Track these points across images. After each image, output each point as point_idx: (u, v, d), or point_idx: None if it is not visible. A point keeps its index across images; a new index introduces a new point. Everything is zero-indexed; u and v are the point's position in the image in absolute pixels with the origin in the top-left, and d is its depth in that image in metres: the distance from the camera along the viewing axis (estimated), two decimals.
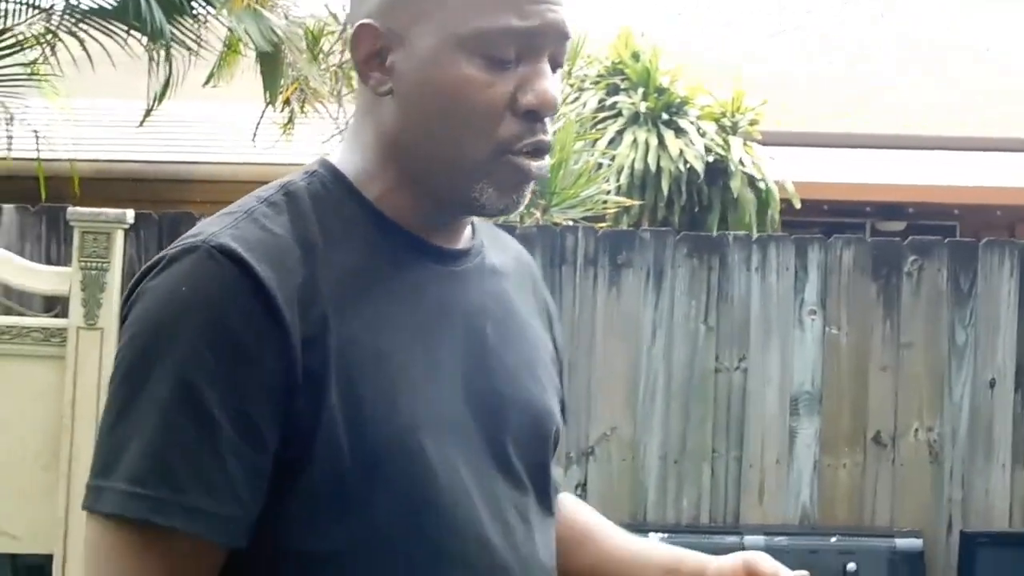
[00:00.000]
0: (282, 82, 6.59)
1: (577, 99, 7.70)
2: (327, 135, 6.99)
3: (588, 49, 7.29)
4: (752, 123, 10.41)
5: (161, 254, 1.36)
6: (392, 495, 1.36)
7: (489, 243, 1.57)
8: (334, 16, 6.81)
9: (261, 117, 7.15)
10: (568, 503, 1.74)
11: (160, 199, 7.89)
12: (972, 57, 19.02)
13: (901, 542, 4.58)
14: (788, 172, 10.31)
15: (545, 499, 1.53)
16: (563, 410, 1.67)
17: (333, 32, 6.80)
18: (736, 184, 9.82)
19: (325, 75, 6.76)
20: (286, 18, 6.64)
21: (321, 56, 6.76)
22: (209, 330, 1.29)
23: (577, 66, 7.12)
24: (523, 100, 1.37)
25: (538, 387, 1.53)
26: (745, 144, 10.10)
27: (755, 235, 4.74)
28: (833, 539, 4.60)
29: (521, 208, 1.46)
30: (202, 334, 1.29)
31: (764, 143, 10.43)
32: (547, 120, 1.40)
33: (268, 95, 6.54)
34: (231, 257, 1.30)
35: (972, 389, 4.66)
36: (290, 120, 7.09)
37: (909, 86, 17.08)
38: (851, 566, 4.52)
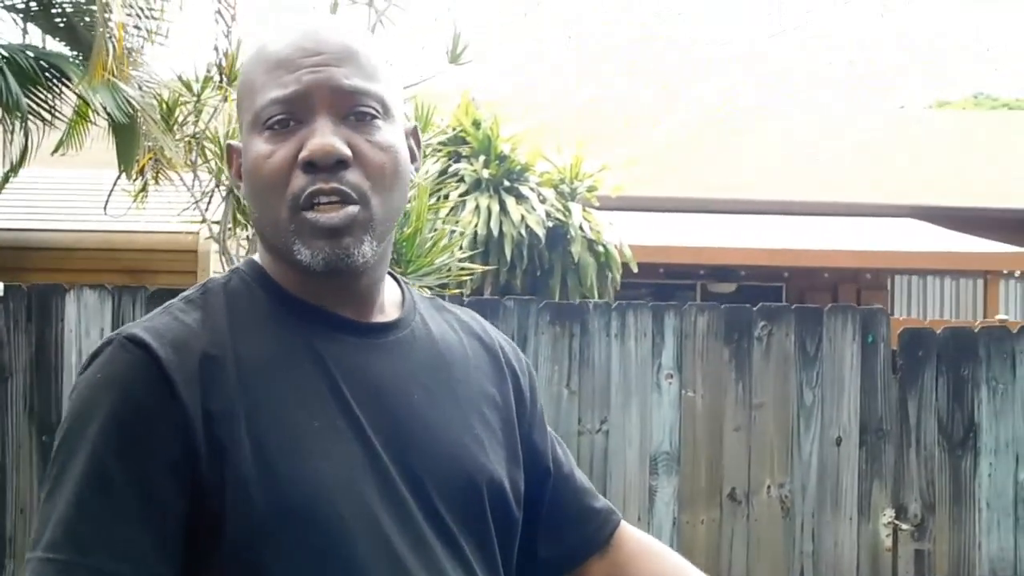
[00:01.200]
0: (137, 152, 6.61)
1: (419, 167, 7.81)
2: (181, 205, 7.01)
3: (434, 116, 7.40)
4: (590, 189, 10.68)
5: (91, 351, 1.53)
6: (308, 553, 1.44)
7: (428, 315, 1.68)
8: (187, 86, 6.84)
9: (113, 186, 7.15)
10: (654, 549, 1.81)
11: (5, 267, 7.83)
12: (792, 125, 19.72)
13: None
14: (625, 236, 10.58)
15: (485, 550, 1.60)
16: (556, 462, 1.77)
17: (187, 103, 6.83)
18: (576, 248, 10.07)
19: (179, 145, 6.78)
20: (140, 89, 6.67)
21: (176, 126, 6.78)
22: (116, 407, 1.44)
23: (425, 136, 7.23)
24: (301, 156, 1.49)
25: (474, 444, 1.61)
26: (584, 209, 10.35)
27: (614, 303, 4.89)
28: None
29: (355, 260, 1.52)
30: (110, 412, 1.44)
31: (602, 208, 10.70)
32: (348, 171, 1.50)
33: (123, 165, 6.56)
34: (137, 344, 1.46)
35: (820, 446, 4.88)
36: (143, 189, 7.09)
37: (745, 151, 17.62)
38: None
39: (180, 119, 6.82)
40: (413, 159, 1.61)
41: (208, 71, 6.86)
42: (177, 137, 6.77)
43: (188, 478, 1.43)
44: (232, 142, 1.63)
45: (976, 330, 5.06)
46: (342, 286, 1.56)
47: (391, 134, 1.55)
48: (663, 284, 13.41)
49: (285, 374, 1.50)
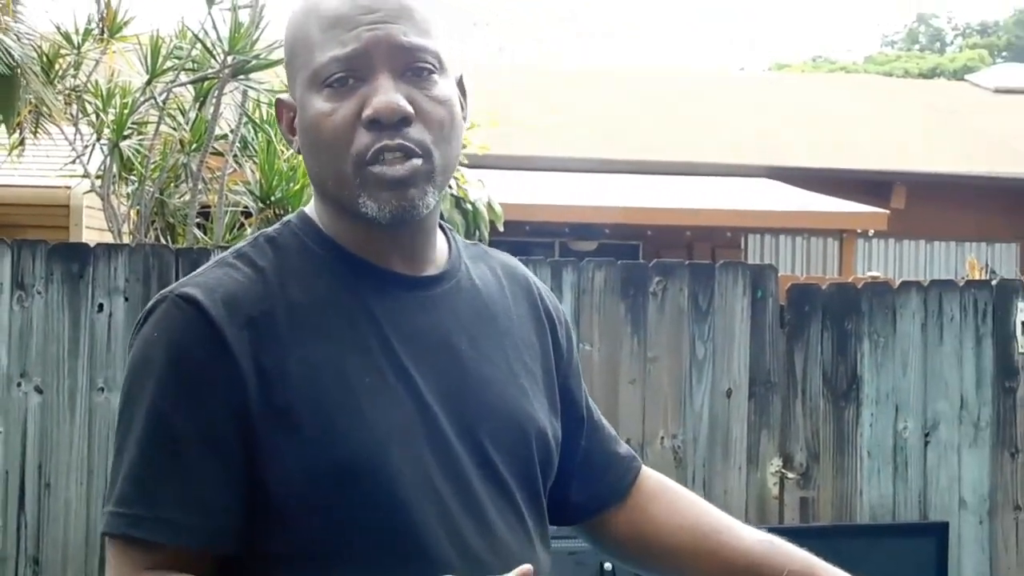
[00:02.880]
0: (16, 104, 6.50)
1: None
2: (63, 159, 6.91)
3: None
4: (460, 143, 10.72)
5: (145, 308, 1.59)
6: (362, 508, 1.49)
7: (472, 263, 1.71)
8: (67, 39, 6.75)
9: None
10: (669, 489, 1.86)
11: None
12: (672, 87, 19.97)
13: None
14: (493, 194, 10.65)
15: (536, 499, 1.65)
16: (588, 410, 1.83)
17: (68, 55, 6.73)
18: (444, 206, 10.11)
19: (59, 98, 6.69)
20: (19, 40, 6.56)
21: (56, 79, 6.68)
22: (172, 364, 1.49)
23: None
24: (364, 114, 1.53)
25: (519, 394, 1.66)
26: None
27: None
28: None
29: (419, 211, 1.56)
30: (167, 368, 1.49)
31: (470, 166, 10.76)
32: (410, 127, 1.54)
33: (2, 117, 6.45)
34: (188, 301, 1.51)
35: (711, 398, 5.02)
36: (21, 142, 6.97)
37: (605, 112, 17.79)
38: (607, 565, 4.81)
39: (60, 72, 6.73)
40: (462, 107, 1.64)
41: (88, 23, 6.77)
42: (57, 90, 6.67)
43: (245, 429, 1.48)
44: (282, 96, 1.66)
45: (859, 286, 5.26)
46: (398, 239, 1.60)
47: (447, 87, 1.58)
48: (528, 242, 13.53)
49: (337, 329, 1.54)
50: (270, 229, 1.65)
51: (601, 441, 1.86)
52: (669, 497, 1.85)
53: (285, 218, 1.68)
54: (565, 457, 1.75)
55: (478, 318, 1.66)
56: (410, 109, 1.53)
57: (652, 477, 1.88)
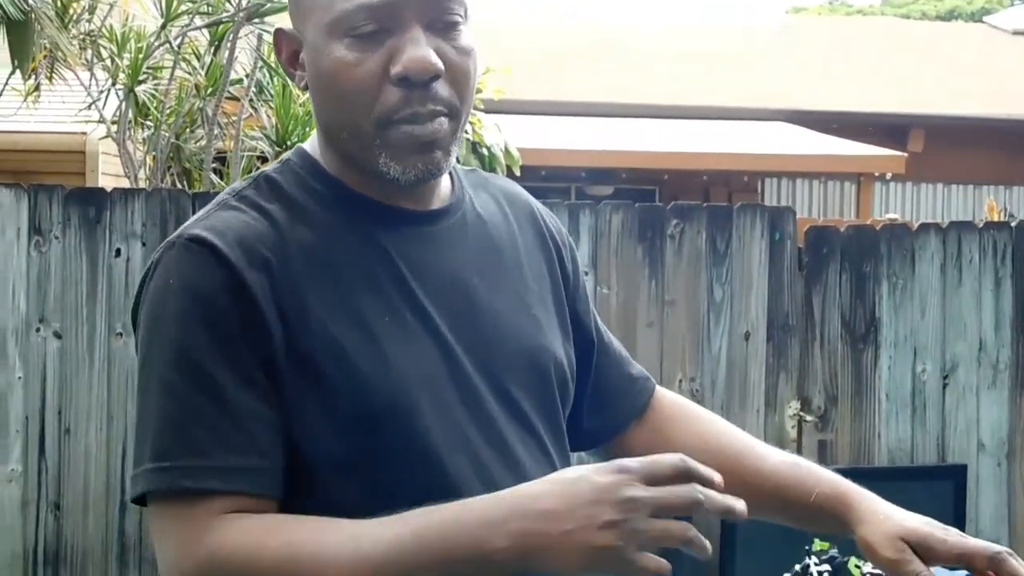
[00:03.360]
0: (31, 50, 6.49)
1: None
2: (79, 104, 6.90)
3: None
4: (475, 91, 10.70)
5: (150, 258, 1.50)
6: (391, 452, 1.44)
7: (474, 193, 1.66)
8: None
9: (4, 85, 7.01)
10: (688, 410, 1.84)
11: None
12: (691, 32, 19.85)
13: None
14: (509, 139, 10.63)
15: (557, 429, 1.63)
16: (598, 332, 1.79)
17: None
18: (461, 151, 10.08)
19: (74, 42, 6.67)
20: None
21: (71, 24, 6.66)
22: (195, 308, 1.41)
23: None
24: (394, 70, 1.44)
25: (533, 326, 1.62)
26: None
27: None
28: None
29: (444, 171, 1.51)
30: (193, 315, 1.41)
31: (486, 110, 10.74)
32: (437, 83, 1.46)
33: (18, 63, 6.43)
34: (202, 244, 1.43)
35: (729, 341, 5.02)
36: (36, 88, 6.96)
37: (621, 59, 17.70)
38: None
39: (75, 16, 6.71)
40: None
41: None
42: (72, 34, 6.65)
43: (274, 379, 1.42)
44: (283, 28, 1.56)
45: (878, 228, 5.23)
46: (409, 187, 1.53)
47: (470, 36, 1.51)
48: (544, 187, 13.51)
49: (350, 269, 1.49)
50: (269, 168, 1.57)
51: (613, 363, 1.82)
52: (688, 418, 1.82)
53: (283, 156, 1.60)
54: (578, 382, 1.72)
55: (486, 250, 1.62)
56: (441, 66, 1.46)
57: (669, 398, 1.85)
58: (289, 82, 6.63)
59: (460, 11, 1.49)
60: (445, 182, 1.62)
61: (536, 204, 1.78)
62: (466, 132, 10.03)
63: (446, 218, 1.59)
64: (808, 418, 5.05)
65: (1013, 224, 5.23)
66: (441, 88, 1.46)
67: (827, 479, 1.71)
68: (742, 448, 1.77)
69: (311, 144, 1.58)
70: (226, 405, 1.39)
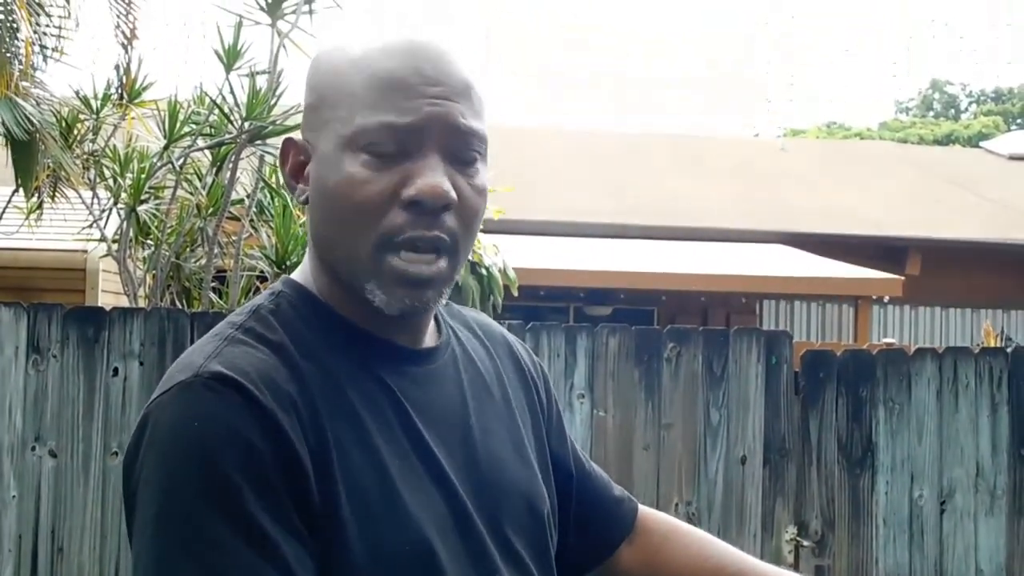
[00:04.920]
0: (35, 168, 6.56)
1: None
2: (80, 223, 6.95)
3: None
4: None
5: (152, 399, 1.37)
6: None
7: (457, 328, 1.64)
8: (86, 103, 6.81)
9: (7, 203, 7.08)
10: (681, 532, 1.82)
11: None
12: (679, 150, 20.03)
13: None
14: (508, 259, 10.66)
15: (549, 572, 1.59)
16: (576, 461, 1.77)
17: (86, 120, 6.80)
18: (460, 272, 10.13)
19: (77, 162, 6.74)
20: (38, 105, 6.62)
21: (74, 144, 6.74)
22: (232, 453, 1.29)
23: None
24: (405, 192, 1.39)
25: (527, 470, 1.60)
26: None
27: (528, 324, 4.97)
28: None
29: (431, 311, 1.47)
30: (227, 458, 1.29)
31: (485, 230, 10.79)
32: (446, 214, 1.40)
33: (21, 181, 6.50)
34: (227, 383, 1.32)
35: (725, 465, 5.01)
36: (39, 206, 7.02)
37: (616, 178, 17.84)
38: None
39: (79, 136, 6.79)
40: None
41: (107, 89, 6.84)
42: (75, 154, 6.73)
43: (308, 515, 1.33)
44: (292, 137, 1.52)
45: (874, 353, 5.25)
46: (403, 321, 1.49)
47: (485, 175, 1.48)
48: (542, 307, 13.55)
49: (365, 409, 1.42)
50: (265, 301, 1.49)
51: (595, 488, 1.81)
52: (682, 536, 1.82)
53: (274, 288, 1.53)
54: (561, 511, 1.71)
55: (478, 389, 1.59)
56: (455, 197, 1.41)
57: (655, 517, 1.85)
58: (288, 196, 6.69)
59: (481, 149, 1.45)
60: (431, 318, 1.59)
61: (509, 336, 1.76)
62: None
63: (439, 356, 1.55)
64: (805, 543, 5.01)
65: (1009, 350, 5.24)
66: (450, 220, 1.41)
67: None
68: (742, 567, 1.76)
69: (301, 274, 1.54)
70: (278, 560, 1.29)
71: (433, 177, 1.39)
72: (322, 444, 1.35)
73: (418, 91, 1.41)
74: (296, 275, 1.54)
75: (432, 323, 1.58)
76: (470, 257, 10.11)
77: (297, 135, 1.53)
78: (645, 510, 1.85)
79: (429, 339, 1.56)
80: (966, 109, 50.82)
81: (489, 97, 1.50)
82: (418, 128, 1.40)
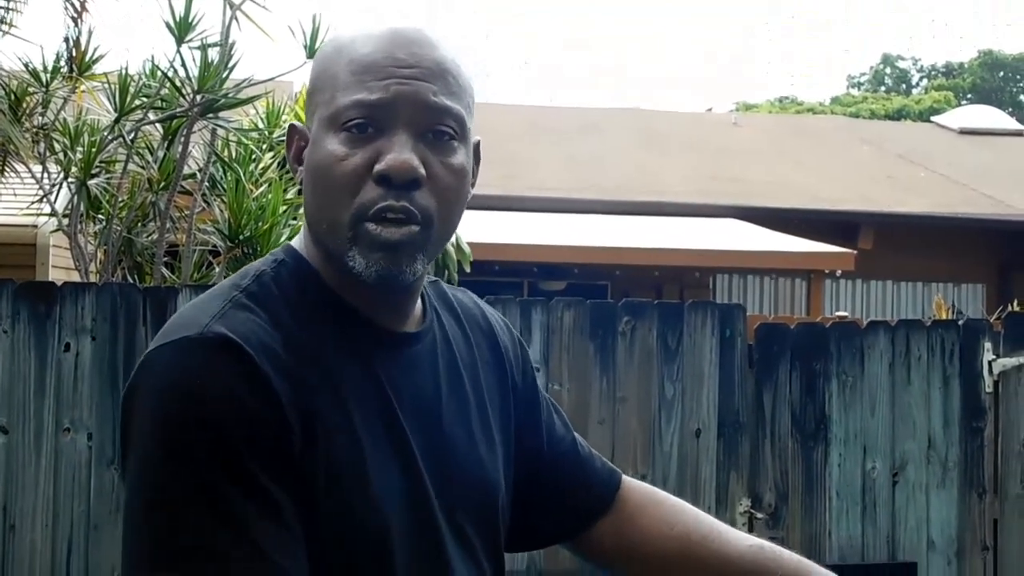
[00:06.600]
0: None
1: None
2: (30, 197, 6.88)
3: (286, 111, 7.39)
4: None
5: (154, 345, 1.43)
6: (354, 571, 1.44)
7: (440, 311, 1.68)
8: (36, 76, 6.73)
9: None
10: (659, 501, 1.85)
11: None
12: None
13: None
14: (463, 234, 10.65)
15: (498, 559, 1.65)
16: (551, 433, 1.81)
17: (36, 93, 6.72)
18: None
19: (27, 136, 6.66)
20: None
21: (24, 117, 6.66)
22: (231, 418, 1.37)
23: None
24: (376, 168, 1.47)
25: (489, 457, 1.65)
26: None
27: (483, 298, 4.95)
28: None
29: (406, 277, 1.51)
30: (229, 419, 1.36)
31: None
32: (418, 191, 1.48)
33: None
34: (227, 346, 1.40)
35: (680, 438, 5.02)
36: None
37: (572, 153, 17.83)
38: None
39: (28, 110, 6.71)
40: (473, 175, 1.60)
41: (57, 61, 6.76)
42: (25, 128, 6.65)
43: (294, 481, 1.40)
44: (296, 124, 1.61)
45: (827, 326, 5.27)
46: (387, 296, 1.55)
47: (463, 156, 1.54)
48: (496, 282, 13.54)
49: (347, 385, 1.49)
50: (267, 268, 1.56)
51: (574, 461, 1.84)
52: (654, 505, 1.84)
53: (276, 255, 1.60)
54: (529, 490, 1.76)
55: (452, 375, 1.64)
56: (422, 171, 1.49)
57: (636, 488, 1.88)
58: (243, 178, 6.65)
59: (452, 125, 1.52)
60: (418, 301, 1.64)
61: (491, 314, 1.81)
62: None
63: (419, 341, 1.61)
64: (759, 515, 5.04)
65: (960, 323, 5.28)
66: (420, 196, 1.49)
67: (791, 563, 1.75)
68: (708, 532, 1.80)
69: (300, 242, 1.61)
70: (276, 517, 1.37)
71: (401, 153, 1.47)
72: (310, 415, 1.42)
73: (388, 71, 1.50)
74: (296, 244, 1.61)
75: (421, 307, 1.64)
76: None
77: (302, 125, 1.61)
78: (629, 482, 1.88)
79: (413, 323, 1.62)
80: (917, 84, 51.12)
81: (471, 81, 1.58)
82: (387, 105, 1.49)
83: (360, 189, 1.48)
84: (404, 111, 1.49)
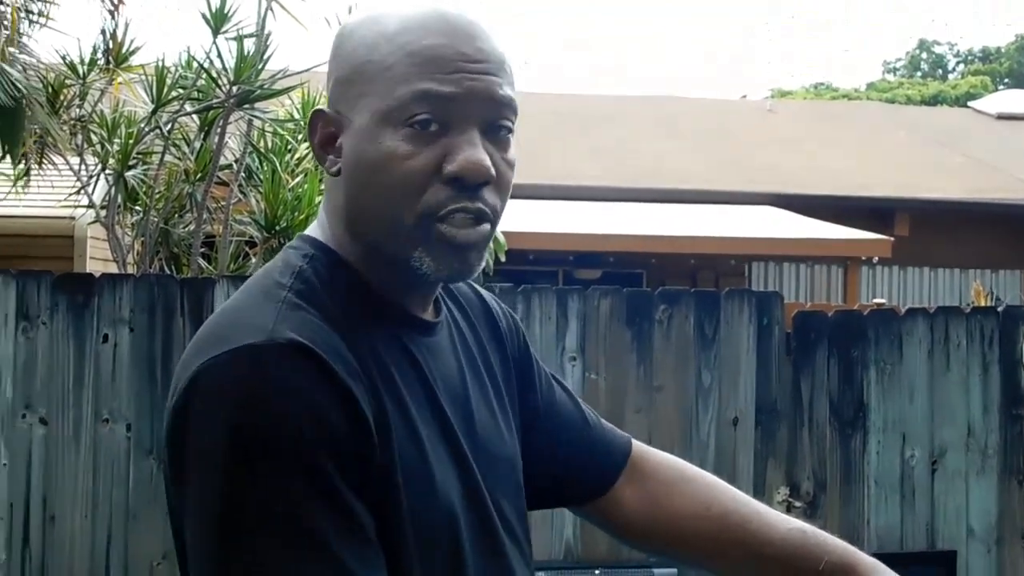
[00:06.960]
0: (22, 135, 6.52)
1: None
2: (68, 189, 6.92)
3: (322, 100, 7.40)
4: None
5: (206, 357, 1.33)
6: (429, 567, 1.41)
7: (444, 296, 1.65)
8: (73, 69, 6.76)
9: None
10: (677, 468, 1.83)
11: None
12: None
13: (659, 572, 4.88)
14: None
15: (528, 544, 1.63)
16: (549, 409, 1.78)
17: (73, 85, 6.75)
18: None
19: (64, 128, 6.71)
20: (24, 71, 6.58)
21: (61, 110, 6.70)
22: (316, 433, 1.30)
23: None
24: (447, 168, 1.40)
25: (510, 437, 1.63)
26: None
27: (519, 287, 4.95)
28: (596, 572, 4.87)
29: (475, 275, 1.50)
30: (317, 430, 1.30)
31: None
32: (486, 188, 1.43)
33: (8, 148, 6.46)
34: (301, 351, 1.32)
35: (717, 427, 5.00)
36: (26, 173, 6.98)
37: (606, 141, 17.78)
38: None
39: (65, 102, 6.75)
40: None
41: (94, 53, 6.79)
42: (62, 120, 6.69)
43: (371, 485, 1.36)
44: (323, 109, 1.51)
45: (865, 313, 5.24)
46: (421, 287, 1.52)
47: (515, 148, 1.50)
48: (531, 271, 13.53)
49: (400, 379, 1.44)
50: (301, 263, 1.48)
51: (581, 430, 1.80)
52: (686, 482, 1.81)
53: (301, 248, 1.52)
54: (542, 464, 1.73)
55: (468, 359, 1.62)
56: (494, 173, 1.44)
57: (656, 457, 1.84)
58: (279, 168, 6.66)
59: (511, 118, 1.48)
60: None
61: (485, 296, 1.78)
62: None
63: (441, 328, 1.58)
64: (797, 504, 5.02)
65: (1000, 309, 5.24)
66: (489, 194, 1.44)
67: (837, 548, 1.69)
68: (748, 514, 1.75)
69: (322, 232, 1.54)
70: (361, 533, 1.32)
71: (474, 153, 1.42)
72: (381, 417, 1.37)
73: (457, 66, 1.43)
74: (317, 234, 1.54)
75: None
76: None
77: (328, 109, 1.52)
78: (654, 453, 1.84)
79: (432, 311, 1.58)
80: (954, 69, 50.78)
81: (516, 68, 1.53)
82: (458, 99, 1.42)
83: (427, 190, 1.42)
84: (474, 107, 1.43)
